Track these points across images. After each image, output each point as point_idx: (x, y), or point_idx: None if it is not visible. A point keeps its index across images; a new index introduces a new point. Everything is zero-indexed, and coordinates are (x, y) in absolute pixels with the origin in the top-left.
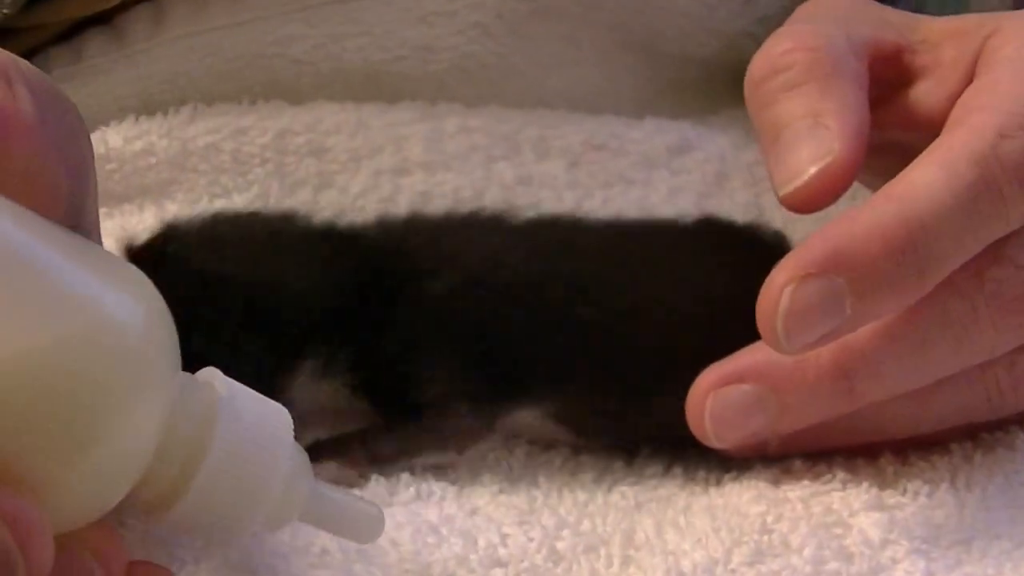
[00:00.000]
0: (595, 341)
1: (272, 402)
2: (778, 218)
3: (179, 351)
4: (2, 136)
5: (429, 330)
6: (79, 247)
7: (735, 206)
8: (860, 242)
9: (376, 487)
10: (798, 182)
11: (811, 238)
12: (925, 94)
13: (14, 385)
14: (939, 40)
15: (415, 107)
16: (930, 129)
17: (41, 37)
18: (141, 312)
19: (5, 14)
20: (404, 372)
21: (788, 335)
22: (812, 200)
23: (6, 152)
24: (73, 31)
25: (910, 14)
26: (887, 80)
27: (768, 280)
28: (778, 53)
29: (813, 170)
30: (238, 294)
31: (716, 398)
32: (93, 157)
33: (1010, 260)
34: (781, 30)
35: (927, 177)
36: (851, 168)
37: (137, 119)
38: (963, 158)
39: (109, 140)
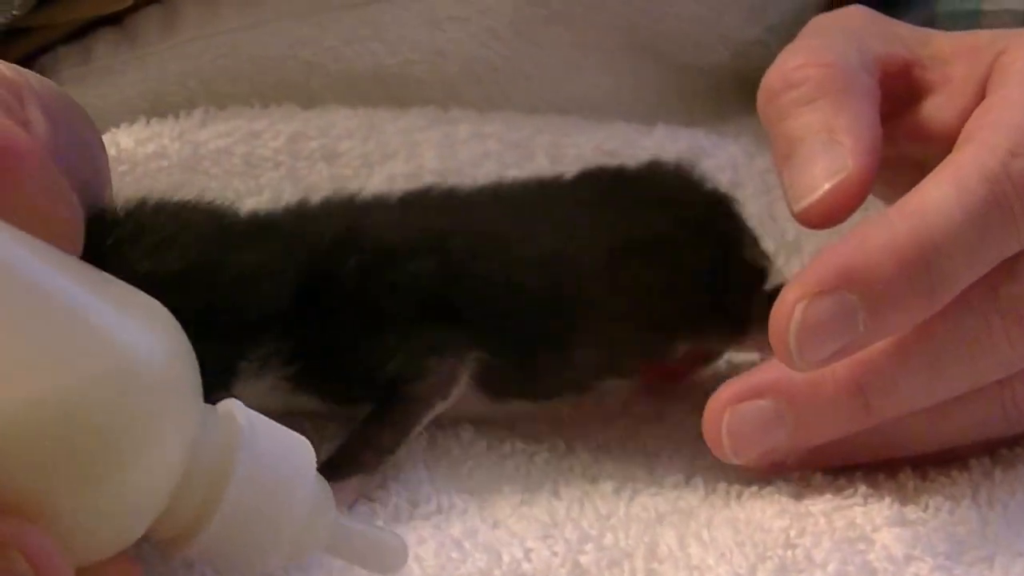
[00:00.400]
0: (494, 299)
1: (294, 433)
2: (791, 228)
3: (200, 382)
4: (13, 171)
5: (364, 311)
6: (97, 281)
7: (748, 214)
8: (872, 259)
9: (398, 500)
10: (812, 198)
11: (823, 254)
12: (936, 109)
13: (36, 421)
14: (950, 56)
15: (428, 112)
16: (941, 144)
17: (50, 37)
18: (162, 345)
19: (14, 15)
20: (360, 356)
21: (801, 351)
22: (826, 216)
23: (18, 186)
24: (83, 31)
25: (921, 29)
26: (898, 95)
27: (780, 297)
28: (791, 68)
29: (827, 186)
30: (179, 290)
31: (733, 414)
32: (108, 166)
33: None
34: (794, 44)
35: (939, 194)
36: (865, 184)
37: (148, 121)
38: (974, 176)
39: (120, 142)
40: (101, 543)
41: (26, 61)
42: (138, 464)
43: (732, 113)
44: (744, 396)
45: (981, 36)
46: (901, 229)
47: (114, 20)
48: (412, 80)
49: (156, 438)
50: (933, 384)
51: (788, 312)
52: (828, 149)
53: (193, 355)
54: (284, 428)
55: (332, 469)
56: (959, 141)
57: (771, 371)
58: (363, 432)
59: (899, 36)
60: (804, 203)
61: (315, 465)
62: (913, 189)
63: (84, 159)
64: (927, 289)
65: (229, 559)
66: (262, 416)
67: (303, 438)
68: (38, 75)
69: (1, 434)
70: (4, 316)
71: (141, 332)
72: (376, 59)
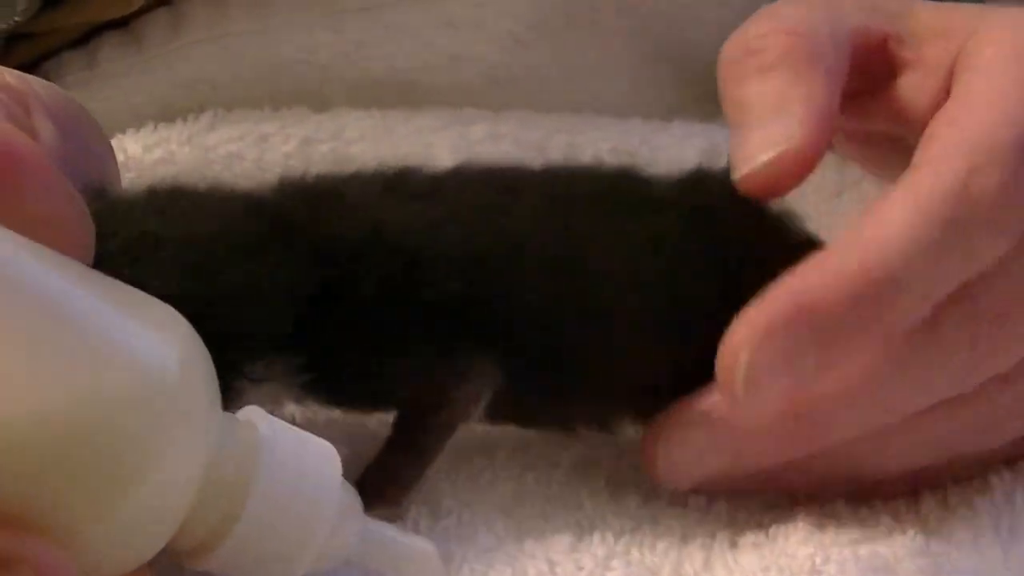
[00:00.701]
0: (529, 325)
1: (318, 440)
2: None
3: (218, 390)
4: (15, 174)
5: (385, 328)
6: (108, 288)
7: None
8: (824, 295)
9: (417, 517)
10: (753, 165)
11: (774, 289)
12: (911, 89)
13: (47, 435)
14: (926, 34)
15: (441, 113)
16: (916, 124)
17: (55, 42)
18: (176, 355)
19: (16, 21)
20: (380, 374)
21: (748, 395)
22: (766, 185)
23: (20, 190)
24: (89, 36)
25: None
26: (874, 70)
27: (728, 338)
28: (755, 35)
29: (770, 155)
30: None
31: (669, 442)
32: (118, 173)
33: (972, 300)
34: (764, 10)
35: (895, 222)
36: (808, 158)
37: (156, 126)
38: (934, 199)
39: (127, 148)
40: (117, 559)
41: (30, 66)
42: (153, 477)
43: None
44: (682, 424)
45: (957, 14)
46: (854, 260)
47: (120, 24)
48: (428, 84)
49: (171, 450)
50: (875, 409)
51: (735, 353)
52: (778, 118)
53: (210, 362)
54: (307, 435)
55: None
56: (919, 151)
57: (709, 397)
58: (385, 463)
59: (881, 7)
60: (745, 169)
61: (340, 471)
62: (869, 212)
63: (93, 166)
64: (881, 322)
65: (250, 572)
66: (284, 423)
67: (328, 444)
68: (45, 82)
69: (12, 448)
70: (11, 328)
71: (154, 342)
72: (391, 63)
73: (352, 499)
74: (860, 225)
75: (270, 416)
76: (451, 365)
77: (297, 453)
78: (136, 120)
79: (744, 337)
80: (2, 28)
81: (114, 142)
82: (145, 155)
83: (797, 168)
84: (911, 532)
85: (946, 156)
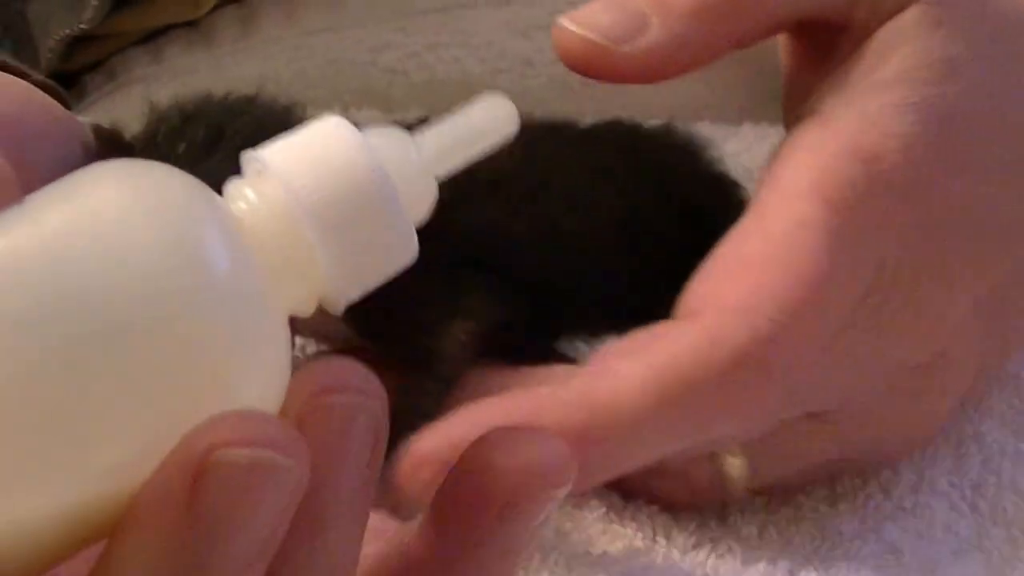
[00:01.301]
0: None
1: (315, 126)
2: None
3: (211, 195)
4: None
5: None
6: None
7: None
8: None
9: None
10: (571, 27)
11: (473, 410)
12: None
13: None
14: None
15: None
16: None
17: (123, 43)
18: (175, 233)
19: (82, 28)
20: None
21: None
22: (568, 54)
23: None
24: (156, 32)
25: None
26: (827, 48)
27: (423, 441)
28: None
29: (591, 36)
30: None
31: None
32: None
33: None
34: None
35: (635, 395)
36: (622, 72)
37: None
38: (686, 382)
39: None
40: (264, 384)
41: (98, 62)
42: (234, 326)
43: None
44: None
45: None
46: (574, 421)
47: (188, 22)
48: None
49: (226, 299)
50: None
51: (417, 468)
52: (641, 17)
53: (189, 180)
54: (300, 138)
55: None
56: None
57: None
58: (403, 403)
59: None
60: (563, 25)
61: (356, 134)
62: (611, 363)
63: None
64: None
65: (378, 272)
66: (276, 143)
67: (326, 118)
68: None
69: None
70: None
71: (162, 228)
72: (461, 66)
73: (386, 141)
74: (595, 378)
75: (261, 152)
76: (449, 300)
77: (312, 164)
78: None
79: (419, 461)
80: (66, 33)
81: None
82: None
83: (603, 67)
84: None
85: (727, 331)
